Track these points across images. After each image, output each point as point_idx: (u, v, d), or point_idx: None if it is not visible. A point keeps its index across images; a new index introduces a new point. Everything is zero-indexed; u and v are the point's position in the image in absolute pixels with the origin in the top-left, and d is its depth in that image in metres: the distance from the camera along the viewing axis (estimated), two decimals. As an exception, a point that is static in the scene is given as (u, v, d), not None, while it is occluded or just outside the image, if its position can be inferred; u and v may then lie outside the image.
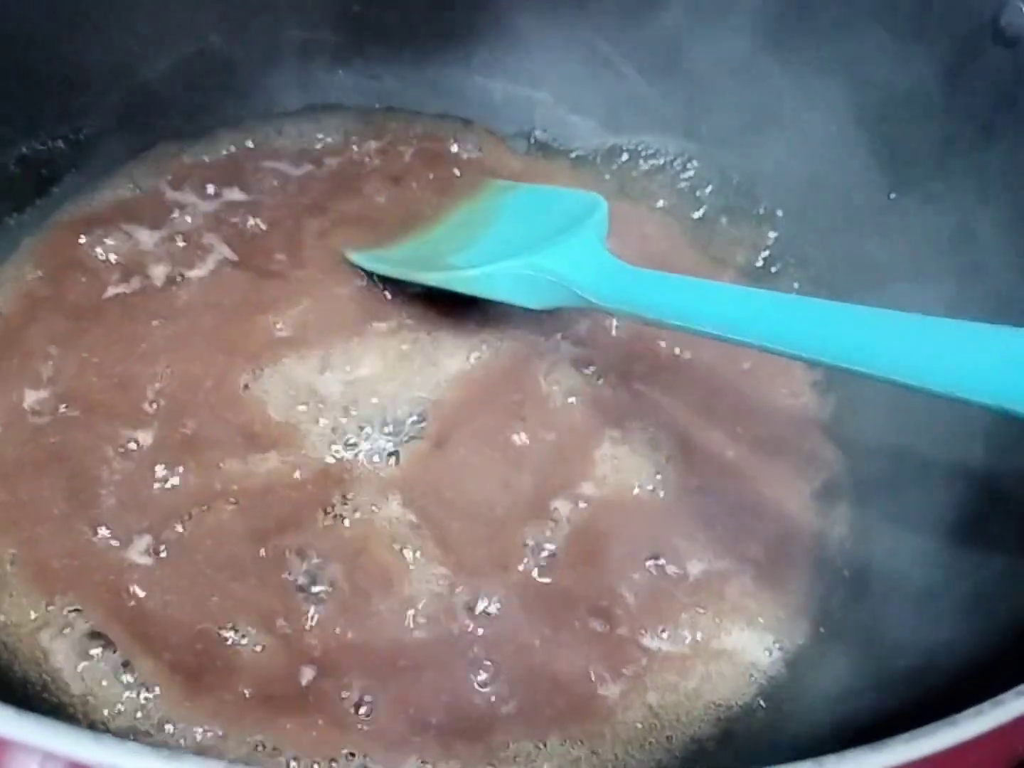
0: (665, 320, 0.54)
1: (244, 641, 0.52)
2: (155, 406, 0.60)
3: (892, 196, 0.67)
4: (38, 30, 0.67)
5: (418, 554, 0.56)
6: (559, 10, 0.77)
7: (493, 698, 0.51)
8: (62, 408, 0.59)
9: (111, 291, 0.66)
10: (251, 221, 0.71)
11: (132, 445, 0.58)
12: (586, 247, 0.61)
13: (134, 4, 0.71)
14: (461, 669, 0.52)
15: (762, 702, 0.53)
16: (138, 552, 0.54)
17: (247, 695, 0.50)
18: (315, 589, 0.53)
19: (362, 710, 0.50)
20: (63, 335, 0.63)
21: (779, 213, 0.73)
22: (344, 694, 0.50)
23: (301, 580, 0.53)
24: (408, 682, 0.51)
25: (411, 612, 0.53)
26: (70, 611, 0.52)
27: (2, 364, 0.61)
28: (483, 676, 0.52)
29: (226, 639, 0.52)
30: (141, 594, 0.52)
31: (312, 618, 0.53)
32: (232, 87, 0.76)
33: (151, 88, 0.73)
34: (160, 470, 0.57)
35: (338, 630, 0.52)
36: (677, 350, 0.67)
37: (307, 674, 0.51)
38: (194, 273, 0.67)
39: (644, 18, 0.75)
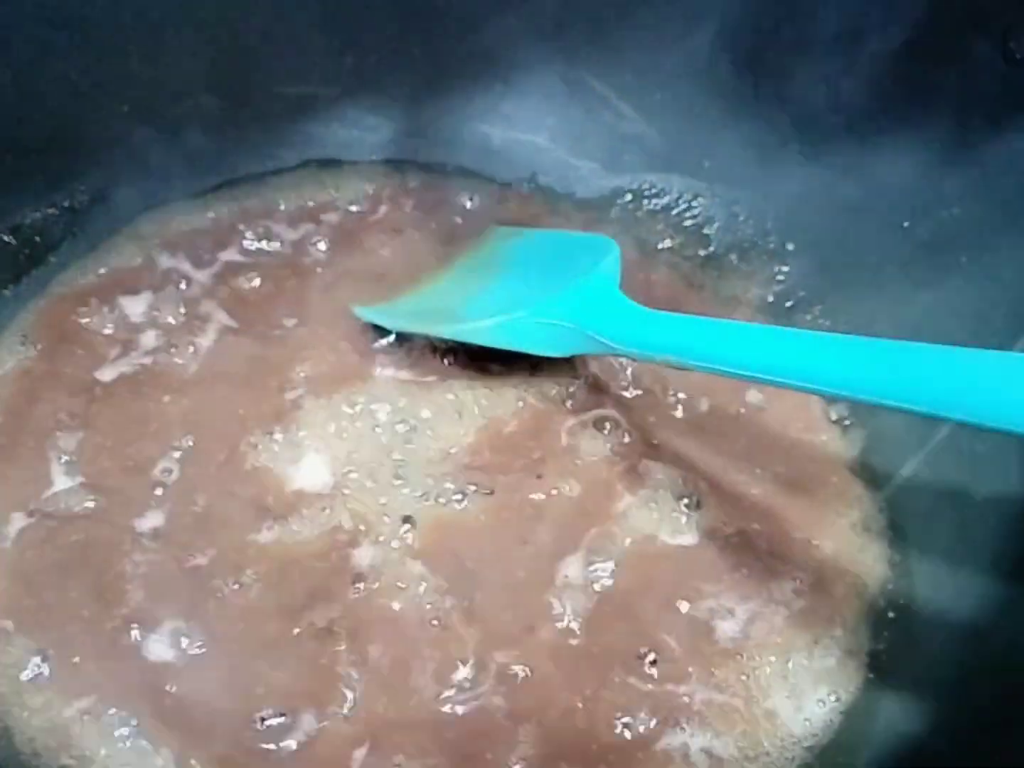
0: (687, 362, 0.53)
1: (290, 729, 0.50)
2: (166, 487, 0.58)
3: (905, 225, 0.65)
4: (27, 97, 0.65)
5: (446, 623, 0.54)
6: (553, 53, 0.76)
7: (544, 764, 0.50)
8: (77, 500, 0.57)
9: (111, 367, 0.64)
10: (251, 284, 0.69)
11: (149, 532, 0.56)
12: (601, 291, 0.60)
13: (124, 68, 0.69)
14: (507, 736, 0.50)
15: (817, 753, 0.52)
16: (172, 646, 0.52)
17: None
18: (353, 667, 0.52)
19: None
20: (69, 416, 0.61)
21: (789, 247, 0.72)
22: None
23: (339, 658, 0.51)
24: (457, 753, 0.49)
25: (453, 680, 0.52)
26: (109, 710, 0.50)
27: (16, 451, 0.59)
28: (529, 743, 0.50)
29: (271, 729, 0.50)
30: (180, 689, 0.51)
31: (354, 699, 0.51)
32: (226, 146, 0.74)
33: (143, 151, 0.71)
34: (180, 555, 0.55)
35: (381, 709, 0.51)
36: (687, 396, 0.66)
37: (358, 758, 0.49)
38: (197, 342, 0.65)
39: (640, 57, 0.75)
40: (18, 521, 0.56)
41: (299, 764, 0.49)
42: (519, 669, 0.52)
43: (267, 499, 0.57)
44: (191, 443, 0.60)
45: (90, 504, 0.57)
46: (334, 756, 0.49)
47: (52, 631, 0.52)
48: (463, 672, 0.52)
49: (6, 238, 0.67)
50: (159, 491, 0.58)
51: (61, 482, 0.58)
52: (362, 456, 0.60)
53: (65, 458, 0.59)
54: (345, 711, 0.50)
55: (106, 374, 0.63)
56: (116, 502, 0.57)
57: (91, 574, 0.54)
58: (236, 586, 0.54)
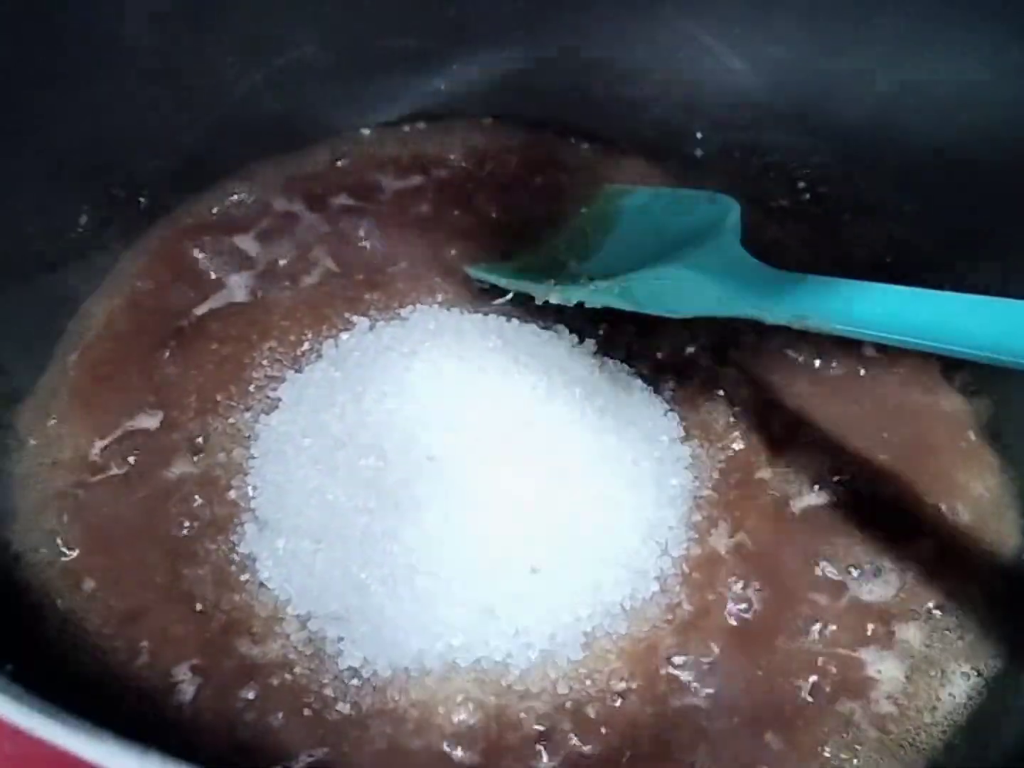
0: (824, 325, 0.51)
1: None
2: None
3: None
4: (134, 51, 0.64)
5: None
6: (661, 5, 0.74)
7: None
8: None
9: (213, 302, 0.65)
10: (359, 232, 0.69)
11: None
12: (728, 252, 0.59)
13: (231, 20, 0.68)
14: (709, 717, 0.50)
15: (960, 730, 0.50)
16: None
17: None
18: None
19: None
20: (168, 350, 0.62)
21: (906, 208, 0.70)
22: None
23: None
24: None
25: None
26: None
27: (117, 379, 0.61)
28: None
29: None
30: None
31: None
32: (331, 98, 0.74)
33: (249, 102, 0.71)
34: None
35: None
36: (806, 358, 0.65)
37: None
38: (304, 282, 0.66)
39: (750, 9, 0.72)
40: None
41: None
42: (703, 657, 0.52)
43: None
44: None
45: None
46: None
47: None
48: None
49: (116, 191, 0.67)
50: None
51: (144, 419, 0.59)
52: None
53: (152, 397, 0.60)
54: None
55: (208, 310, 0.64)
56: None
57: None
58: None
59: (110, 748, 0.27)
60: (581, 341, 0.62)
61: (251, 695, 0.49)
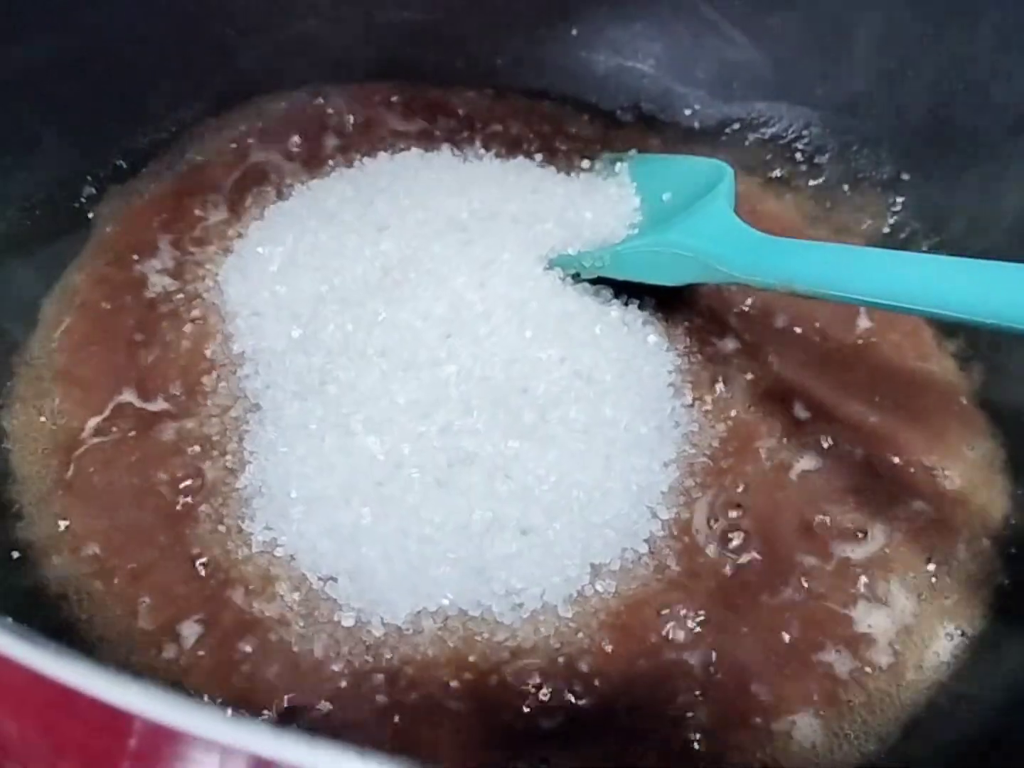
0: (814, 290, 0.51)
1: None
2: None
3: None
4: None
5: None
6: (661, -25, 0.74)
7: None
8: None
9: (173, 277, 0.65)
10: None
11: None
12: (719, 218, 0.59)
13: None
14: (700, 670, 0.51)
15: (943, 688, 0.51)
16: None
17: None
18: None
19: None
20: (140, 325, 0.62)
21: (905, 177, 0.70)
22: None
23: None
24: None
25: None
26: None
27: (97, 358, 0.60)
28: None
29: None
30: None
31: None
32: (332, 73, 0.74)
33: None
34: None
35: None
36: (801, 326, 0.65)
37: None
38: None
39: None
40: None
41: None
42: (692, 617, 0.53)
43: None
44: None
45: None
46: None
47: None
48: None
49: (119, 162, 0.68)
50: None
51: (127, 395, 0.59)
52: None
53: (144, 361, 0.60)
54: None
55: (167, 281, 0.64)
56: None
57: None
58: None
59: (108, 681, 0.27)
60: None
61: (248, 648, 0.50)
